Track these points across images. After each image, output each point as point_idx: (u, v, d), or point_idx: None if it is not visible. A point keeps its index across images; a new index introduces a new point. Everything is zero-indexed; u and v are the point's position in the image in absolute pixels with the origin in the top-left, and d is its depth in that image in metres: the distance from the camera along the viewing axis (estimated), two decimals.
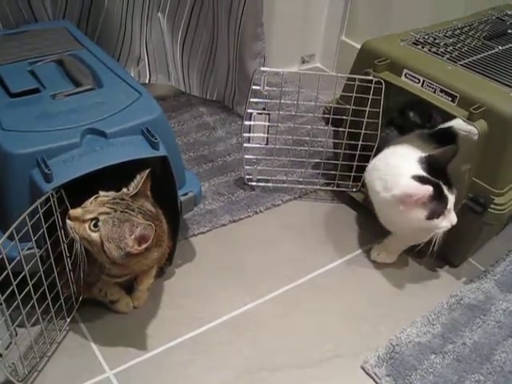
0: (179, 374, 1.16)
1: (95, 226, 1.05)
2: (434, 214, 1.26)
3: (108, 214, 1.06)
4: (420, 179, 1.27)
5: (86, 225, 1.05)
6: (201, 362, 1.19)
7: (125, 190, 1.12)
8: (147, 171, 1.12)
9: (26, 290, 1.03)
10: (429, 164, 1.30)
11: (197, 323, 1.27)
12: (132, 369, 1.16)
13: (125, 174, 1.13)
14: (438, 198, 1.26)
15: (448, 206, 1.27)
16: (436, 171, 1.29)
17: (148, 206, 1.12)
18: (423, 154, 1.33)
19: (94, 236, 1.05)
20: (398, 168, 1.32)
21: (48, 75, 1.32)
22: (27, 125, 1.15)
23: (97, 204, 1.08)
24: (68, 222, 1.06)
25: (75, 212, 1.06)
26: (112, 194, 1.10)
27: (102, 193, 1.10)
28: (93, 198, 1.09)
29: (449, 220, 1.28)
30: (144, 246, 1.06)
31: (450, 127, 1.47)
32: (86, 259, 1.06)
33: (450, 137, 1.43)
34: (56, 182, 1.06)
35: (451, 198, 1.28)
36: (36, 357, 1.13)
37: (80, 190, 1.09)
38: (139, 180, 1.12)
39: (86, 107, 1.22)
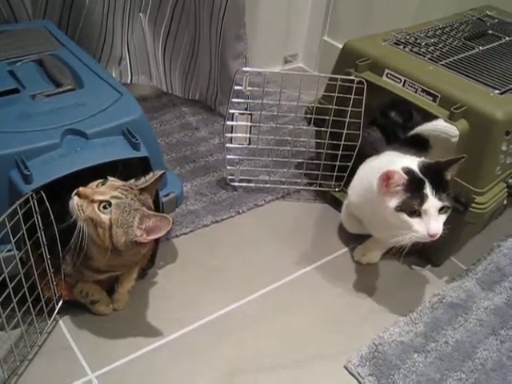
0: (162, 376, 1.16)
1: (105, 207, 1.05)
2: (404, 206, 1.19)
3: (120, 198, 1.06)
4: (406, 170, 1.21)
5: (95, 205, 1.05)
6: (184, 363, 1.19)
7: (132, 181, 1.12)
8: (162, 172, 1.14)
9: (5, 292, 1.02)
10: (425, 167, 1.24)
11: (179, 325, 1.26)
12: (114, 371, 1.15)
13: (105, 175, 1.12)
14: (414, 191, 1.19)
15: (424, 207, 1.18)
16: (430, 174, 1.22)
17: (150, 202, 1.14)
18: (423, 158, 1.27)
19: (104, 218, 1.05)
20: (392, 162, 1.25)
21: (28, 75, 1.31)
22: (6, 125, 1.14)
23: (108, 187, 1.08)
24: (76, 198, 1.05)
25: (86, 190, 1.06)
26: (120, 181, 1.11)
27: (110, 178, 1.10)
28: (98, 181, 1.09)
29: (426, 226, 1.19)
30: (153, 236, 1.07)
31: (416, 133, 1.48)
32: (86, 240, 1.06)
33: (421, 141, 1.44)
34: (36, 183, 1.05)
35: (434, 202, 1.19)
36: (16, 360, 1.12)
37: (60, 190, 1.08)
38: (151, 177, 1.13)
39: (67, 108, 1.21)
